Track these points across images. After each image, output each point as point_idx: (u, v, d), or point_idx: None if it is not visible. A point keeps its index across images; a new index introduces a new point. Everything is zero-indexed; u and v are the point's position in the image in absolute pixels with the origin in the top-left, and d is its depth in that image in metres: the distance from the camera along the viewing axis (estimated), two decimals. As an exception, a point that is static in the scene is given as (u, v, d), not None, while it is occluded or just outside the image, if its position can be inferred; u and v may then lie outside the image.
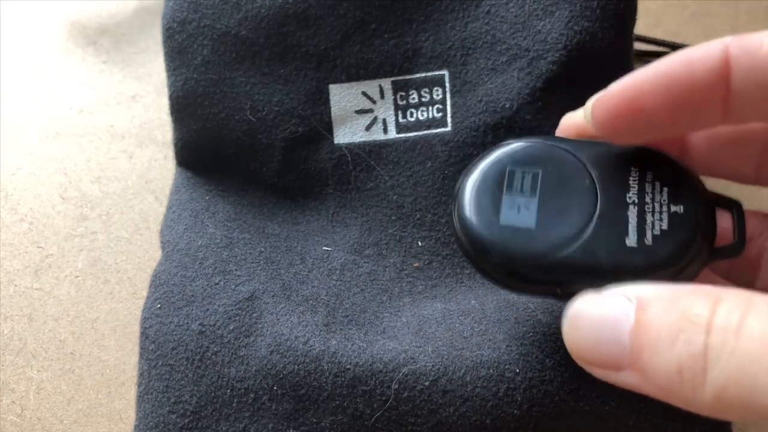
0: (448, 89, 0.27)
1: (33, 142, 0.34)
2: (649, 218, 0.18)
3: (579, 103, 0.26)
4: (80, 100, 0.35)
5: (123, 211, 0.32)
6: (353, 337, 0.23)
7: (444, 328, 0.24)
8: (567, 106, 0.26)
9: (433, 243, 0.27)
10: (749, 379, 0.13)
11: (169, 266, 0.26)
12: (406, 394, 0.22)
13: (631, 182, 0.19)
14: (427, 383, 0.22)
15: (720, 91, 0.17)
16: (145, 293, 0.26)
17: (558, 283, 0.18)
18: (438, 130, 0.27)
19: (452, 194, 0.21)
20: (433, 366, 0.22)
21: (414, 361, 0.22)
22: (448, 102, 0.27)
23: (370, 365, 0.22)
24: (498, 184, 0.20)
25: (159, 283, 0.25)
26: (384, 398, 0.22)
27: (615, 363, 0.16)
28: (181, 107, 0.28)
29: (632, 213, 0.19)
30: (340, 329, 0.24)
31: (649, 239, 0.18)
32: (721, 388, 0.14)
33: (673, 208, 0.19)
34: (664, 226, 0.18)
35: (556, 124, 0.26)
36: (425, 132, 0.27)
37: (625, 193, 0.19)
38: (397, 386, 0.22)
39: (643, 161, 0.19)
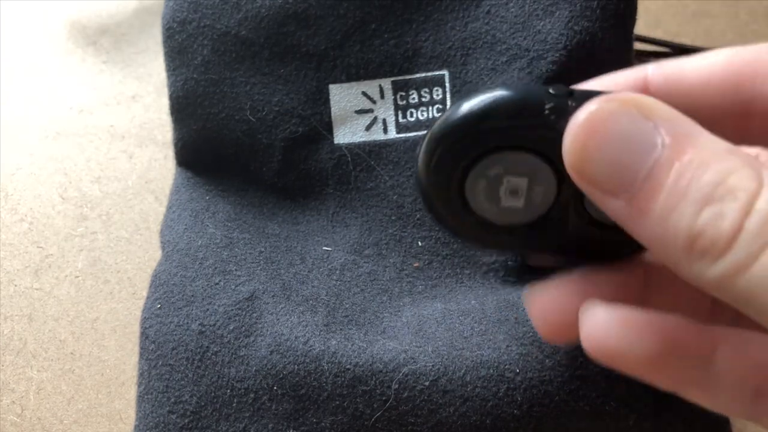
0: (448, 89, 0.27)
1: (33, 142, 0.34)
2: None
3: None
4: (80, 100, 0.35)
5: (123, 211, 0.32)
6: (353, 337, 0.23)
7: (444, 328, 0.24)
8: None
9: (433, 243, 0.27)
10: None
11: (169, 266, 0.26)
12: (406, 394, 0.22)
13: None
14: (427, 383, 0.22)
15: None
16: (145, 293, 0.26)
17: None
18: (438, 130, 0.27)
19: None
20: (433, 366, 0.22)
21: (414, 361, 0.22)
22: (449, 102, 0.27)
23: (370, 365, 0.22)
24: None
25: (159, 283, 0.25)
26: (384, 398, 0.22)
27: (617, 187, 0.14)
28: (181, 107, 0.28)
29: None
30: (340, 329, 0.24)
31: None
32: (736, 271, 0.13)
33: None
34: None
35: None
36: (425, 132, 0.27)
37: None
38: (397, 386, 0.22)
39: None
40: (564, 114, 0.15)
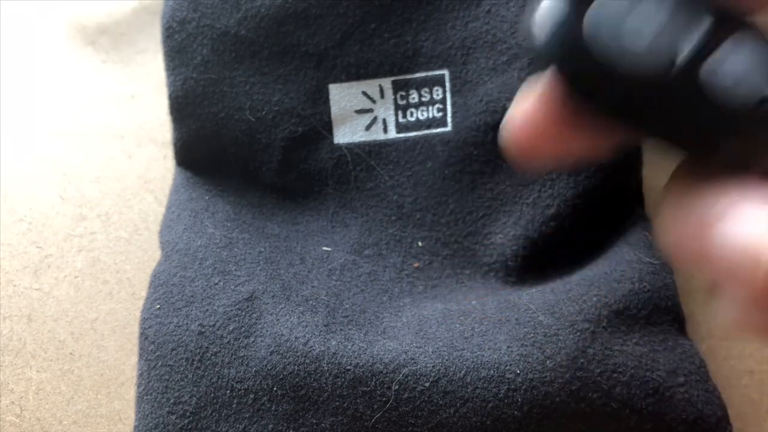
0: (448, 89, 0.27)
1: (32, 141, 0.34)
2: None
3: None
4: (79, 100, 0.34)
5: (122, 211, 0.32)
6: (353, 337, 0.23)
7: (444, 329, 0.24)
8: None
9: (433, 243, 0.27)
10: None
11: (169, 266, 0.26)
12: (406, 395, 0.22)
13: None
14: (427, 384, 0.22)
15: None
16: (144, 293, 0.26)
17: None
18: (438, 130, 0.27)
19: None
20: (433, 367, 0.22)
21: (414, 362, 0.22)
22: (449, 102, 0.27)
23: (371, 366, 0.22)
24: None
25: (158, 283, 0.25)
26: (384, 399, 0.22)
27: None
28: (181, 107, 0.28)
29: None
30: (340, 330, 0.24)
31: None
32: None
33: None
34: None
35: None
36: (425, 132, 0.27)
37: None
38: (397, 387, 0.22)
39: None
40: None
